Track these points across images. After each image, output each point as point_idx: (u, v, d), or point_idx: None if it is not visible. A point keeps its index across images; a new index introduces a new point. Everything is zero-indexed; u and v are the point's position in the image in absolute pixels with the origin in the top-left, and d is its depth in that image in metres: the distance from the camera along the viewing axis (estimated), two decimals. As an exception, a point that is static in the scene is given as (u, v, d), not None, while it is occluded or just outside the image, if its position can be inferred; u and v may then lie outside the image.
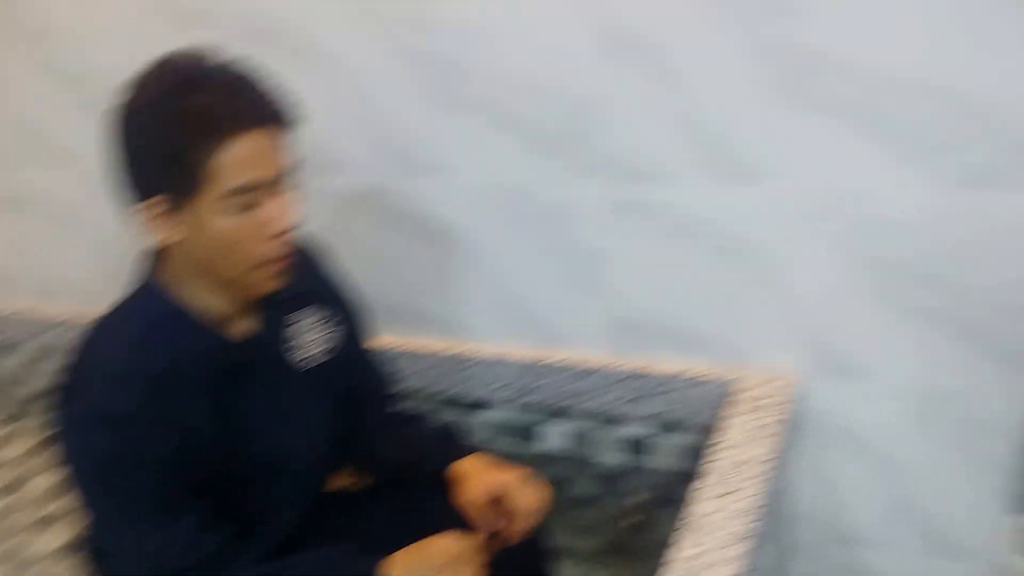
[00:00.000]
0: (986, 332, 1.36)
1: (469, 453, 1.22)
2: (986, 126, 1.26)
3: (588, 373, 1.57)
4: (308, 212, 1.05)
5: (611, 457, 1.63)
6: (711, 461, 1.28)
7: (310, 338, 1.16)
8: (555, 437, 1.66)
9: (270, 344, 1.11)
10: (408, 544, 1.07)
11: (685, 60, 1.37)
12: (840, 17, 1.27)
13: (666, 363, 1.53)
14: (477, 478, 1.18)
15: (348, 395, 1.23)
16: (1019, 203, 1.28)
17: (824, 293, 1.42)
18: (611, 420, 1.60)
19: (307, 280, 1.17)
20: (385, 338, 1.44)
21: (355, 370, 1.25)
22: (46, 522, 1.91)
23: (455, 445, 1.24)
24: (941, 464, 1.44)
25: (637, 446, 1.60)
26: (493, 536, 1.15)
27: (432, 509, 1.18)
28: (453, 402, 1.69)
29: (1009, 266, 1.32)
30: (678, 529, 1.17)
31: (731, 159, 1.39)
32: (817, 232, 1.39)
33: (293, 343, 1.14)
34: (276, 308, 1.11)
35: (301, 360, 1.14)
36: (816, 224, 1.39)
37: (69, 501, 1.03)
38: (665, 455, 1.58)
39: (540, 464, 1.64)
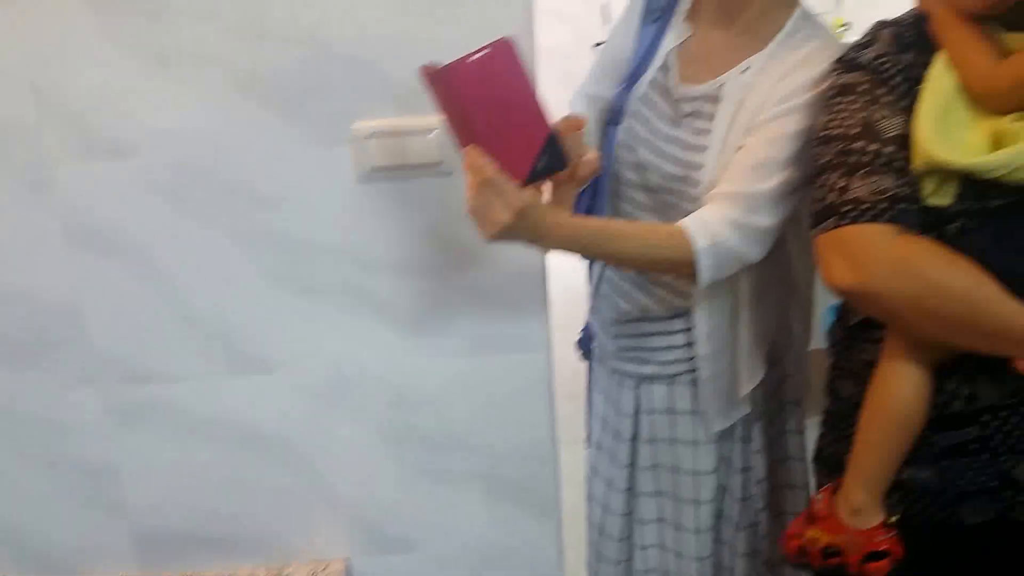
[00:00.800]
0: (517, 486, 1.40)
1: None
2: (475, 298, 1.32)
3: (117, 600, 1.37)
4: None
5: None
6: None
7: None
8: None
9: None
10: None
11: (170, 256, 1.27)
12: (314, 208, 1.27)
13: (207, 572, 1.38)
14: None
15: None
16: (521, 363, 1.35)
17: (360, 471, 1.38)
18: (152, 646, 1.41)
19: None
20: None
21: None
22: None
23: None
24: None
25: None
26: None
27: None
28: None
29: (520, 421, 1.38)
30: None
31: (240, 350, 1.32)
32: (342, 413, 1.36)
33: None
34: None
35: None
36: (339, 405, 1.36)
37: None
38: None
39: None
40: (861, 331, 1.18)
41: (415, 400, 1.36)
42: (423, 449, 1.38)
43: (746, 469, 1.49)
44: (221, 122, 1.23)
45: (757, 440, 1.48)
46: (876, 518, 1.13)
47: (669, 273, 1.37)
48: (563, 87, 1.71)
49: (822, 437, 1.30)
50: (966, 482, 1.12)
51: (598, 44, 1.50)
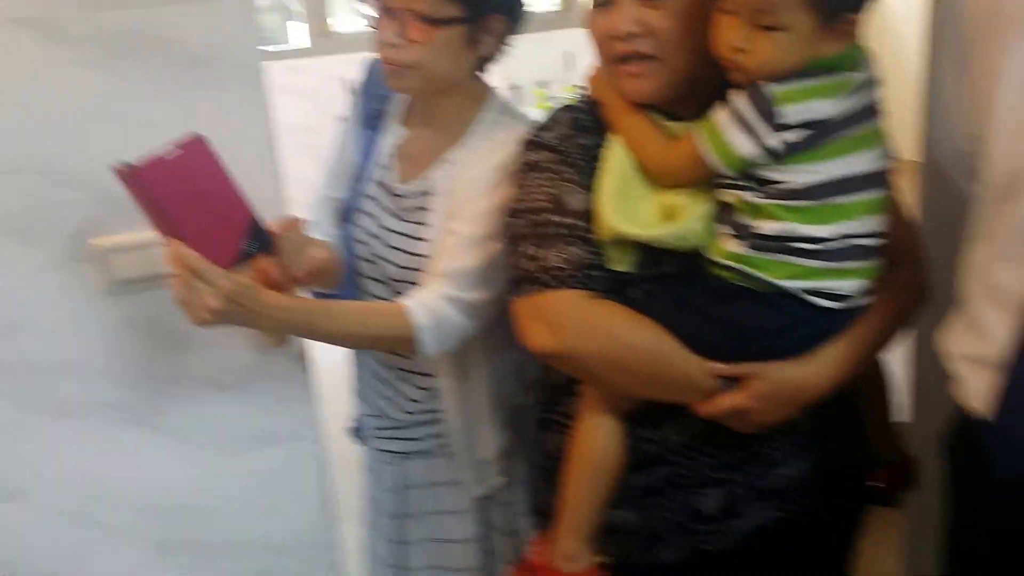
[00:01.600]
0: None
1: None
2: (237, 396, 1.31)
3: None
4: None
5: None
6: None
7: None
8: None
9: None
10: None
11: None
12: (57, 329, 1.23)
13: None
14: None
15: None
16: (289, 454, 1.38)
17: None
18: None
19: None
20: None
21: None
22: None
23: None
24: None
25: None
26: None
27: None
28: None
29: (294, 513, 1.41)
30: None
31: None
32: (107, 532, 1.32)
33: None
34: None
35: None
36: (103, 524, 1.32)
37: None
38: None
39: None
40: (562, 388, 1.28)
41: (184, 507, 1.34)
42: (199, 555, 1.36)
43: (513, 532, 1.55)
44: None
45: (521, 502, 1.54)
46: (588, 561, 1.21)
47: (393, 349, 1.42)
48: (309, 161, 1.75)
49: (536, 491, 1.38)
50: (662, 521, 1.24)
51: (343, 118, 1.56)
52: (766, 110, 1.05)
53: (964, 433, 1.10)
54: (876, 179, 1.11)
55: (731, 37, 1.05)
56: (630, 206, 1.15)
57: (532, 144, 1.24)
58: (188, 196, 1.08)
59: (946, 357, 1.09)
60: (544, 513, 1.31)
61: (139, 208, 1.09)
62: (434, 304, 1.29)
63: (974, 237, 1.05)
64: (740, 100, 1.07)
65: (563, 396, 1.27)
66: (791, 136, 1.05)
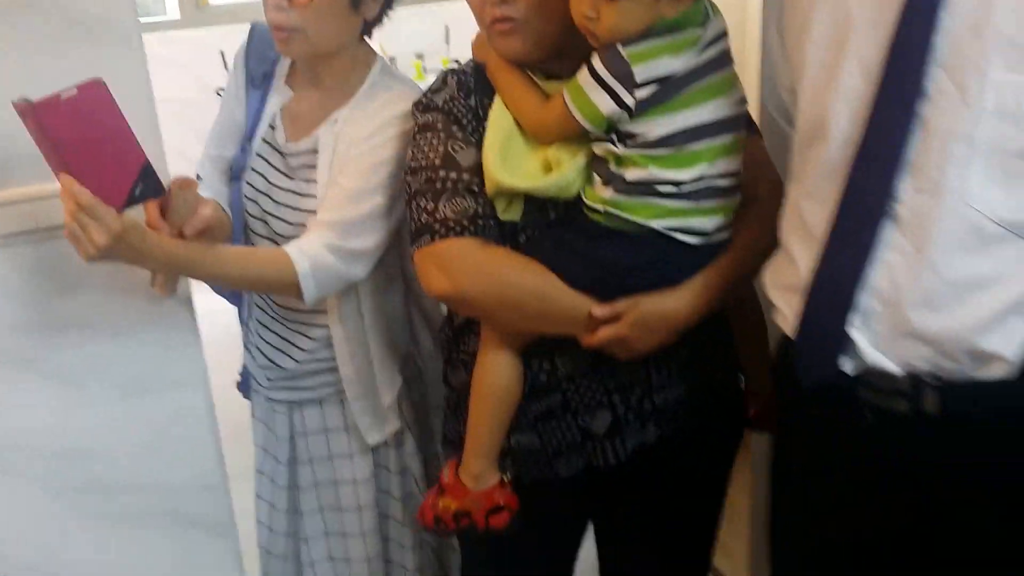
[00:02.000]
0: (192, 516, 1.49)
1: None
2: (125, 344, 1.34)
3: None
4: None
5: None
6: None
7: None
8: None
9: None
10: None
11: None
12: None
13: None
14: None
15: None
16: (179, 399, 1.43)
17: (33, 533, 1.40)
18: None
19: None
20: None
21: None
22: None
23: None
24: None
25: None
26: None
27: None
28: None
29: (186, 454, 1.46)
30: None
31: None
32: (6, 470, 1.36)
33: None
34: None
35: None
36: (3, 464, 1.35)
37: None
38: None
39: None
40: (465, 328, 1.40)
41: (77, 451, 1.38)
42: (93, 498, 1.41)
43: (403, 471, 1.66)
44: None
45: (410, 443, 1.64)
46: (493, 480, 1.35)
47: (275, 293, 1.51)
48: (192, 135, 1.78)
49: (445, 423, 1.50)
50: (557, 441, 1.38)
51: (220, 90, 1.62)
52: (620, 71, 1.16)
53: (783, 354, 1.24)
54: (729, 124, 1.23)
55: (581, 6, 1.16)
56: (514, 160, 1.27)
57: (423, 107, 1.34)
58: (83, 136, 1.14)
59: (763, 287, 1.22)
60: (453, 443, 1.43)
61: (36, 143, 1.14)
62: (315, 251, 1.38)
63: (787, 178, 1.19)
64: (597, 62, 1.18)
65: (466, 336, 1.39)
66: (643, 92, 1.17)
